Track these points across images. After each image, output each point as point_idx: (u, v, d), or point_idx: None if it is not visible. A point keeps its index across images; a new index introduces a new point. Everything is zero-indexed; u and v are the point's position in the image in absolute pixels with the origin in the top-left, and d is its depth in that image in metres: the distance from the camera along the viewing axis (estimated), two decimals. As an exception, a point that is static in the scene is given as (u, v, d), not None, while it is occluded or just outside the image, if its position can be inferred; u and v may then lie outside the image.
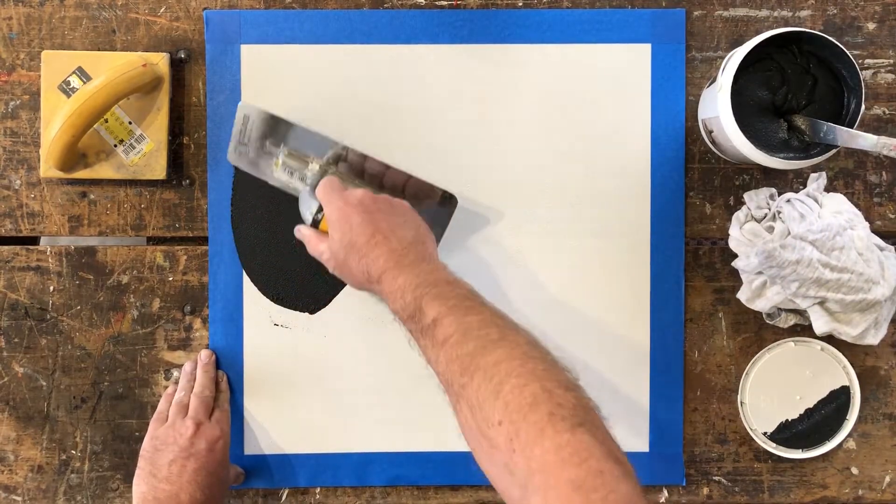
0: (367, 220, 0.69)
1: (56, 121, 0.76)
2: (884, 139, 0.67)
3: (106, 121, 0.80)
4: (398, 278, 0.65)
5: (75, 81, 0.80)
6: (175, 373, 0.82)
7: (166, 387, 0.82)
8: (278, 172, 0.79)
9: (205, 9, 0.82)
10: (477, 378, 0.56)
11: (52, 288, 0.82)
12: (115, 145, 0.81)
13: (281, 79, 0.82)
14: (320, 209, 0.73)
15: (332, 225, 0.70)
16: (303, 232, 0.75)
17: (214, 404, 0.79)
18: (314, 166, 0.78)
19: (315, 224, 0.74)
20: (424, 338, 0.62)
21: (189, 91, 0.82)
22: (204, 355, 0.81)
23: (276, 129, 0.79)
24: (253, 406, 0.83)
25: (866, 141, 0.68)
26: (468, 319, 0.61)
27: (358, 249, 0.68)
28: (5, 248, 0.83)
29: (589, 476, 0.50)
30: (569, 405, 0.54)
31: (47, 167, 0.79)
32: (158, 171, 0.81)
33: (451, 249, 0.82)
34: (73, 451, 0.83)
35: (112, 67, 0.78)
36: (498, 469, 0.55)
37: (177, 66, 0.82)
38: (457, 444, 0.82)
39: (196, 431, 0.75)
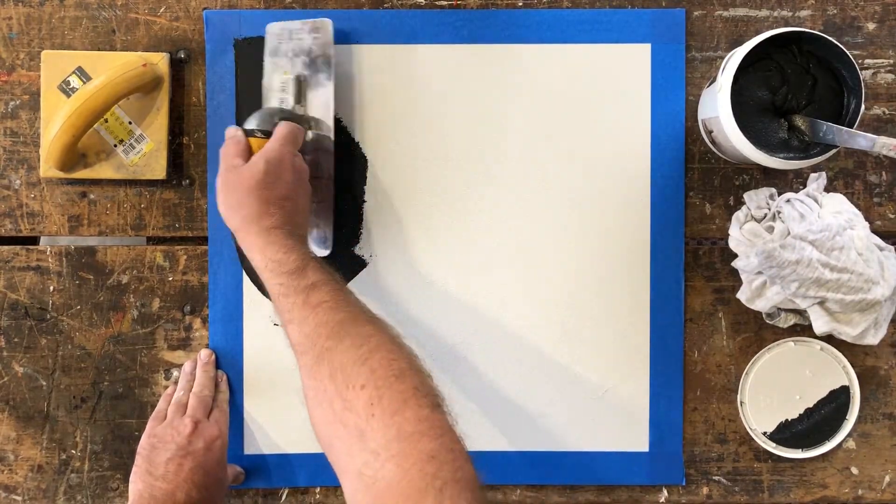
0: (293, 185, 0.70)
1: (56, 121, 0.76)
2: (883, 139, 0.67)
3: (106, 121, 0.80)
4: (290, 238, 0.67)
5: (75, 81, 0.80)
6: (175, 373, 0.82)
7: (166, 387, 0.82)
8: (273, 79, 0.79)
9: (204, 9, 0.82)
10: (346, 342, 0.58)
11: (52, 288, 0.82)
12: (115, 145, 0.81)
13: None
14: (268, 133, 0.72)
15: (268, 160, 0.70)
16: (234, 132, 0.74)
17: (213, 404, 0.79)
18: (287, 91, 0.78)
19: (250, 133, 0.73)
20: (296, 295, 0.64)
21: (189, 91, 0.82)
22: (203, 355, 0.81)
23: (318, 61, 0.79)
24: (253, 406, 0.83)
25: (866, 141, 0.68)
26: (342, 295, 0.64)
27: (267, 197, 0.69)
28: (5, 248, 0.83)
29: (443, 450, 0.53)
30: (429, 386, 0.58)
31: (47, 167, 0.79)
32: (158, 171, 0.81)
33: (451, 249, 0.82)
34: (73, 451, 0.83)
35: (112, 67, 0.78)
36: (346, 432, 0.56)
37: (177, 66, 0.82)
38: (457, 443, 0.82)
39: (194, 430, 0.75)
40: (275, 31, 0.79)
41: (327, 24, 0.79)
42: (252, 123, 0.73)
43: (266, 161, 0.70)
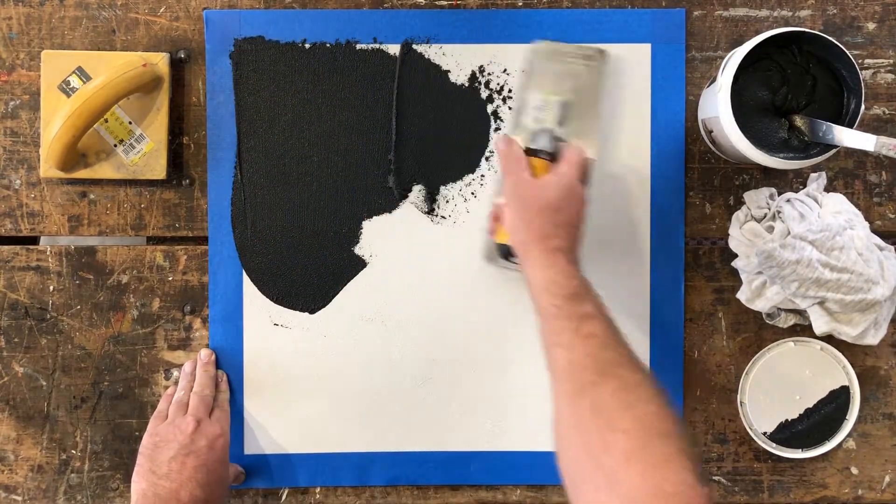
0: (578, 213, 0.71)
1: (56, 121, 0.76)
2: (883, 139, 0.67)
3: (106, 121, 0.80)
4: (570, 264, 0.68)
5: (75, 81, 0.80)
6: (175, 372, 0.82)
7: (166, 387, 0.82)
8: (535, 97, 0.78)
9: (204, 9, 0.82)
10: (612, 383, 0.58)
11: (52, 288, 0.82)
12: (115, 145, 0.81)
13: (277, 77, 0.82)
14: (551, 156, 0.73)
15: (560, 181, 0.70)
16: (512, 145, 0.74)
17: (214, 403, 0.79)
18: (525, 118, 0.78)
19: (534, 153, 0.73)
20: (569, 321, 0.64)
21: (189, 91, 0.82)
22: (204, 354, 0.81)
23: (585, 90, 0.79)
24: (253, 406, 0.83)
25: (866, 141, 0.68)
26: (615, 332, 0.63)
27: (557, 219, 0.69)
28: (5, 247, 0.83)
29: None
30: (695, 454, 0.55)
31: (47, 167, 0.79)
32: (158, 170, 0.81)
33: (451, 248, 0.82)
34: (73, 451, 0.83)
35: (112, 67, 0.78)
36: (598, 472, 0.54)
37: (177, 66, 0.82)
38: (456, 443, 0.82)
39: (196, 428, 0.75)
40: (546, 51, 0.79)
41: (605, 56, 0.79)
42: (537, 143, 0.74)
43: (560, 186, 0.70)
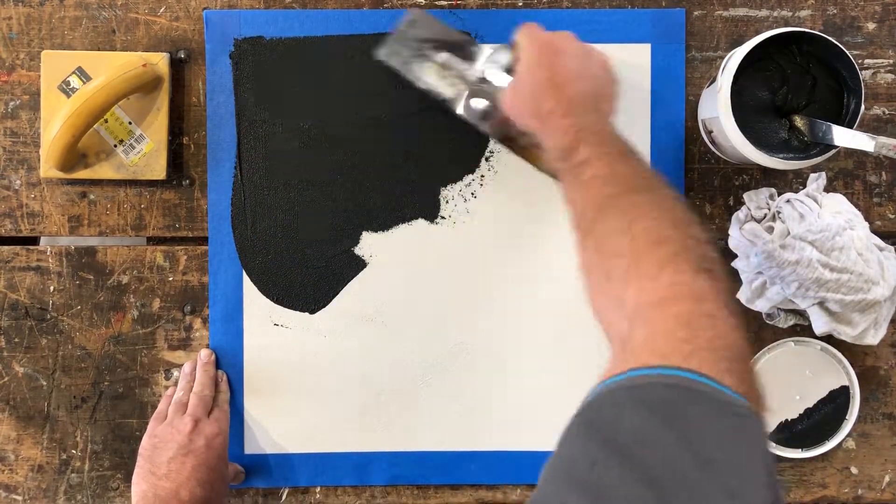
0: (557, 61, 0.67)
1: (56, 121, 0.76)
2: (883, 139, 0.67)
3: (106, 121, 0.80)
4: (564, 118, 0.64)
5: (75, 81, 0.80)
6: (175, 373, 0.82)
7: (167, 387, 0.82)
8: (428, 76, 0.77)
9: (204, 9, 0.82)
10: (611, 214, 0.57)
11: (52, 288, 0.83)
12: (115, 145, 0.81)
13: (277, 77, 0.82)
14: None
15: (524, 58, 0.68)
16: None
17: (214, 403, 0.79)
18: (473, 76, 0.76)
19: (510, 70, 0.72)
20: (570, 175, 0.62)
21: (189, 91, 0.82)
22: (203, 354, 0.81)
23: (441, 38, 0.77)
24: (253, 406, 0.83)
25: (865, 141, 0.68)
26: (619, 167, 0.61)
27: (535, 87, 0.67)
28: (5, 248, 0.83)
29: (700, 316, 0.49)
30: (698, 251, 0.53)
31: (47, 167, 0.79)
32: (158, 171, 0.81)
33: (450, 249, 0.82)
34: (74, 451, 0.83)
35: (112, 67, 0.78)
36: (609, 303, 0.54)
37: (176, 66, 0.82)
38: (457, 443, 0.82)
39: (194, 428, 0.75)
40: (388, 51, 0.78)
41: (419, 14, 0.78)
42: (501, 63, 0.73)
43: (522, 59, 0.68)
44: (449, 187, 0.83)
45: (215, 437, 0.75)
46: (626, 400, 0.45)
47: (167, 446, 0.74)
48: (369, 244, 0.83)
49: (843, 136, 0.70)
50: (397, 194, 0.82)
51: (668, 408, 0.43)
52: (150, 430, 0.77)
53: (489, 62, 0.75)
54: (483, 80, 0.75)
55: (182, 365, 0.82)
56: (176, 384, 0.81)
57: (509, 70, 0.73)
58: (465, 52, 0.77)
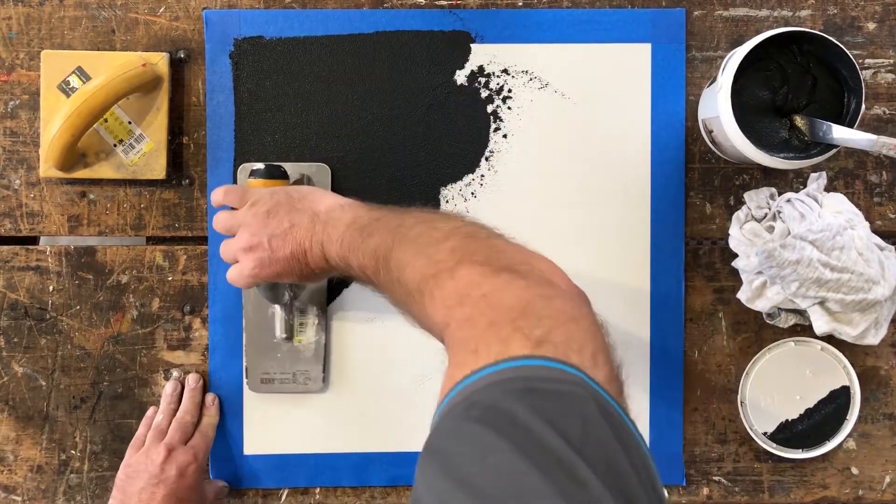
0: (280, 215, 0.69)
1: (56, 121, 0.76)
2: (883, 139, 0.67)
3: (105, 121, 0.80)
4: (327, 258, 0.66)
5: (75, 81, 0.80)
6: (175, 372, 0.82)
7: (164, 387, 0.82)
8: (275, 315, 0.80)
9: (204, 9, 0.82)
10: (414, 231, 0.58)
11: (51, 288, 0.82)
12: (115, 145, 0.81)
13: (277, 77, 0.82)
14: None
15: (253, 225, 0.69)
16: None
17: (196, 428, 0.79)
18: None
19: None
20: (379, 276, 0.61)
21: (189, 91, 0.82)
22: (191, 380, 0.81)
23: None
24: (253, 406, 0.82)
25: (866, 141, 0.68)
26: (370, 213, 0.64)
27: (276, 219, 0.68)
28: (5, 247, 0.83)
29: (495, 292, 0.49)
30: (500, 257, 0.53)
31: (47, 167, 0.79)
32: (158, 170, 0.81)
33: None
34: (73, 451, 0.83)
35: (111, 67, 0.78)
36: (427, 323, 0.55)
37: (176, 65, 0.82)
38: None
39: (167, 457, 0.75)
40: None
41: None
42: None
43: (257, 232, 0.69)
44: (449, 187, 0.83)
45: (187, 465, 0.75)
46: (460, 419, 0.42)
47: (139, 476, 0.74)
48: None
49: (843, 136, 0.70)
50: (397, 194, 0.82)
51: (498, 417, 0.41)
52: (127, 458, 0.77)
53: None
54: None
55: (181, 365, 0.82)
56: (159, 403, 0.81)
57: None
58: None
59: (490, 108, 0.82)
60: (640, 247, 0.82)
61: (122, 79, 0.76)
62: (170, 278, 0.83)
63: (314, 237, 0.67)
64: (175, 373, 0.82)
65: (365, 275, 0.63)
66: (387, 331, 0.82)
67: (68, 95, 0.79)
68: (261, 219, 0.69)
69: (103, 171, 0.81)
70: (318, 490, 0.83)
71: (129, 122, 0.80)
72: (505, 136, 0.82)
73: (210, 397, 0.81)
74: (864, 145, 0.68)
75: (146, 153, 0.81)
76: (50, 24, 0.82)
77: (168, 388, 0.81)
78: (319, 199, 0.70)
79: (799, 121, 0.73)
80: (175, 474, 0.74)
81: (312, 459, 0.83)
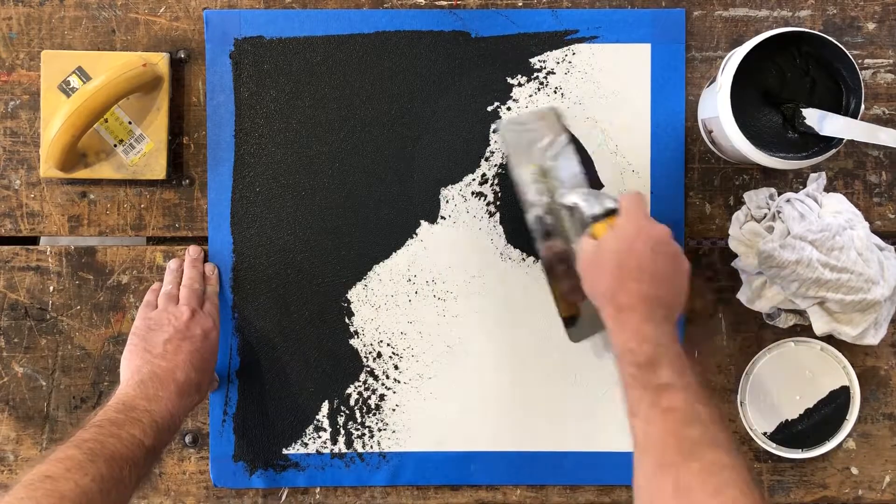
0: (648, 255, 0.65)
1: (56, 121, 0.76)
2: (878, 127, 0.67)
3: (106, 121, 0.80)
4: (643, 323, 0.62)
5: (75, 81, 0.80)
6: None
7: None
8: (526, 172, 0.75)
9: (204, 9, 0.82)
10: (695, 465, 0.56)
11: (51, 288, 0.82)
12: (115, 145, 0.81)
13: (277, 77, 0.82)
14: (611, 213, 0.69)
15: (619, 233, 0.66)
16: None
17: (205, 297, 0.79)
18: (563, 199, 0.73)
19: (594, 219, 0.69)
20: (645, 391, 0.60)
21: (189, 91, 0.82)
22: (192, 251, 0.81)
23: (561, 146, 0.75)
24: (252, 406, 0.83)
25: (886, 135, 0.68)
26: (697, 406, 0.59)
27: (621, 272, 0.64)
28: (5, 248, 0.83)
29: None
30: None
31: (47, 167, 0.79)
32: (158, 170, 0.81)
33: (451, 247, 0.82)
34: (73, 451, 0.83)
35: (112, 67, 0.78)
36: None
37: (176, 65, 0.82)
38: (456, 444, 0.82)
39: (192, 317, 0.75)
40: (507, 125, 0.77)
41: (556, 111, 0.77)
42: (591, 210, 0.70)
43: (617, 233, 0.66)
44: (449, 187, 0.83)
45: (211, 330, 0.76)
46: None
47: (163, 329, 0.74)
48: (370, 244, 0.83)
49: (860, 131, 0.69)
50: (398, 193, 0.82)
51: None
52: (143, 314, 0.77)
53: (587, 199, 0.71)
54: (569, 208, 0.73)
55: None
56: (160, 281, 0.81)
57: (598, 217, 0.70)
58: (568, 170, 0.75)
59: (490, 108, 0.82)
60: (639, 247, 0.83)
61: (123, 79, 0.76)
62: (170, 278, 0.83)
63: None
64: (172, 263, 0.81)
65: None
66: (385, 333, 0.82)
67: (68, 95, 0.79)
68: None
69: (103, 171, 0.81)
70: (318, 490, 0.83)
71: (130, 122, 0.80)
72: (505, 136, 0.82)
73: (209, 267, 0.81)
74: (883, 140, 0.68)
75: (146, 153, 0.81)
76: (50, 24, 0.82)
77: (172, 264, 0.81)
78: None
79: (810, 114, 0.72)
80: (200, 334, 0.74)
81: (312, 460, 0.83)
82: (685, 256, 0.67)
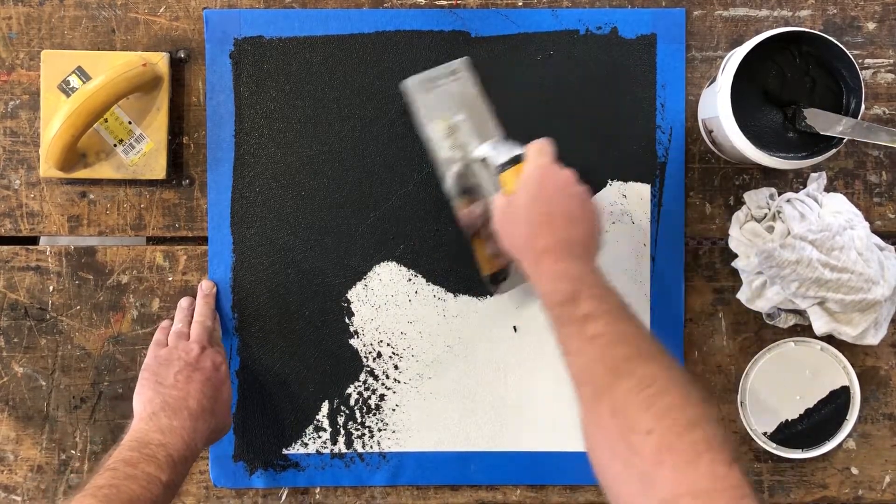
0: (557, 198, 0.67)
1: (56, 120, 0.76)
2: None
3: (105, 120, 0.80)
4: (559, 262, 0.64)
5: (75, 81, 0.80)
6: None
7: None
8: (436, 128, 0.76)
9: (204, 8, 0.82)
10: (626, 382, 0.56)
11: (51, 288, 0.82)
12: (115, 145, 0.81)
13: (277, 77, 0.82)
14: (516, 160, 0.70)
15: (526, 183, 0.68)
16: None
17: (213, 335, 0.79)
18: (475, 153, 0.74)
19: (502, 167, 0.71)
20: (570, 326, 0.61)
21: (189, 91, 0.82)
22: (206, 286, 0.81)
23: (470, 101, 0.76)
24: (251, 407, 0.82)
25: (888, 136, 0.68)
26: (621, 326, 0.61)
27: (532, 218, 0.66)
28: (5, 248, 0.83)
29: None
30: (724, 438, 0.54)
31: (47, 167, 0.79)
32: (158, 170, 0.81)
33: (450, 246, 0.82)
34: (73, 451, 0.83)
35: (112, 67, 0.78)
36: (630, 474, 0.54)
37: (176, 65, 0.82)
38: (456, 444, 0.82)
39: (202, 352, 0.75)
40: (416, 84, 0.77)
41: (466, 63, 0.77)
42: (499, 156, 0.71)
43: (524, 183, 0.68)
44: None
45: (221, 363, 0.76)
46: None
47: (173, 364, 0.74)
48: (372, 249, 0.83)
49: (863, 131, 0.70)
50: (399, 192, 0.82)
51: None
52: (153, 352, 0.77)
53: (495, 148, 0.73)
54: (481, 161, 0.74)
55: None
56: (171, 319, 0.81)
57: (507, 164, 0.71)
58: (479, 124, 0.76)
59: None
60: (640, 247, 0.83)
61: (122, 79, 0.76)
62: (170, 278, 0.83)
63: None
64: (183, 301, 0.81)
65: None
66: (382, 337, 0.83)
67: (68, 95, 0.79)
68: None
69: (103, 171, 0.81)
70: (317, 490, 0.83)
71: (130, 122, 0.80)
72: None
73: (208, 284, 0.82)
74: (885, 140, 0.68)
75: (146, 153, 0.81)
76: (50, 24, 0.82)
77: (184, 303, 0.81)
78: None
79: (812, 114, 0.72)
80: (211, 366, 0.74)
81: (311, 460, 0.82)
82: (592, 199, 0.69)
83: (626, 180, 0.82)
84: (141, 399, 0.72)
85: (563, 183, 0.68)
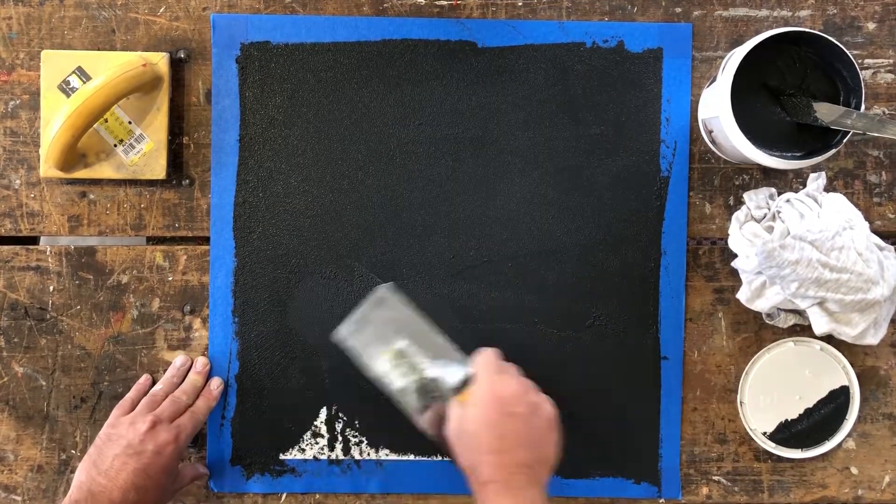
0: (504, 421, 0.66)
1: (56, 120, 0.76)
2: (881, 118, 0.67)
3: (106, 120, 0.80)
4: (499, 496, 0.64)
5: (75, 81, 0.80)
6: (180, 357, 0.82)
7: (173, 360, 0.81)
8: (382, 362, 0.75)
9: (204, 8, 0.82)
10: None
11: (51, 288, 0.82)
12: (115, 145, 0.81)
13: (283, 82, 0.82)
14: (467, 382, 0.70)
15: (476, 404, 0.67)
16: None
17: (189, 409, 0.78)
18: (427, 373, 0.73)
19: (455, 391, 0.70)
20: None
21: (189, 91, 0.82)
22: (199, 364, 0.81)
23: (405, 323, 0.76)
24: (250, 408, 0.82)
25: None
26: None
27: (478, 445, 0.66)
28: (5, 247, 0.83)
29: None
30: None
31: (47, 167, 0.79)
32: (158, 170, 0.81)
33: (450, 246, 0.82)
34: (73, 451, 0.83)
35: (112, 67, 0.78)
36: None
37: (176, 65, 0.82)
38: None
39: (150, 430, 0.74)
40: (348, 331, 0.77)
41: (388, 293, 0.77)
42: (452, 379, 0.71)
43: (473, 404, 0.67)
44: (449, 188, 0.82)
45: (166, 444, 0.74)
46: None
47: (118, 442, 0.74)
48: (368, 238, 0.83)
49: (875, 124, 0.69)
50: (402, 201, 0.82)
51: None
52: (113, 418, 0.77)
53: (445, 367, 0.72)
54: (433, 381, 0.72)
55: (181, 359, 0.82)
56: (151, 377, 0.81)
57: (460, 386, 0.71)
58: (424, 341, 0.75)
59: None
60: (640, 247, 0.83)
61: (122, 79, 0.76)
62: (170, 278, 0.83)
63: None
64: (178, 360, 0.81)
65: None
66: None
67: (68, 95, 0.79)
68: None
69: (103, 171, 0.81)
70: (316, 493, 0.83)
71: (130, 122, 0.80)
72: (506, 135, 0.82)
73: (216, 381, 0.81)
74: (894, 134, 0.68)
75: (146, 153, 0.81)
76: (50, 24, 0.82)
77: (178, 361, 0.81)
78: None
79: (822, 107, 0.72)
80: (152, 450, 0.73)
81: (310, 465, 0.82)
82: (546, 405, 0.69)
83: (626, 177, 0.82)
84: (76, 478, 0.73)
85: (515, 399, 0.67)
